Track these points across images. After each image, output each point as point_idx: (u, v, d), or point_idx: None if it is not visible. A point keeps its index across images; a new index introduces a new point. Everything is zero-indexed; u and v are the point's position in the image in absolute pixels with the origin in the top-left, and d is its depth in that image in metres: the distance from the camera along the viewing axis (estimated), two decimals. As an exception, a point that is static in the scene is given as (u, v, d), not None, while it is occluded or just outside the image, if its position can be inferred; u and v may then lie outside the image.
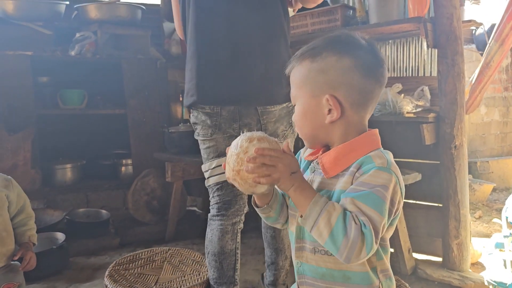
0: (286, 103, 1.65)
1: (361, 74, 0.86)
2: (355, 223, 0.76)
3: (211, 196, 1.66)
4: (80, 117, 3.12)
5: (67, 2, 2.98)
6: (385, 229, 0.81)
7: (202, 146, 1.66)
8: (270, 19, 1.57)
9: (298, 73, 0.90)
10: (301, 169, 0.99)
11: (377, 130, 0.91)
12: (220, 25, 1.53)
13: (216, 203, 1.64)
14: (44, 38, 2.86)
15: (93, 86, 3.08)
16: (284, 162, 0.82)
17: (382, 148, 0.89)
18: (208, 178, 1.64)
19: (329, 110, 0.86)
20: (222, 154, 1.57)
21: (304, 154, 1.00)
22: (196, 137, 1.67)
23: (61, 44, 2.90)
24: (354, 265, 0.84)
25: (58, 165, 2.93)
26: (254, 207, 0.99)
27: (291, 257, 1.34)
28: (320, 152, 0.93)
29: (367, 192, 0.79)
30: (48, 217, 2.60)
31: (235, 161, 0.84)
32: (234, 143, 0.87)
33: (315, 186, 0.90)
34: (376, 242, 0.77)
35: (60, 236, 2.34)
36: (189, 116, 1.82)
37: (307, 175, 0.94)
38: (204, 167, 1.66)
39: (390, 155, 0.87)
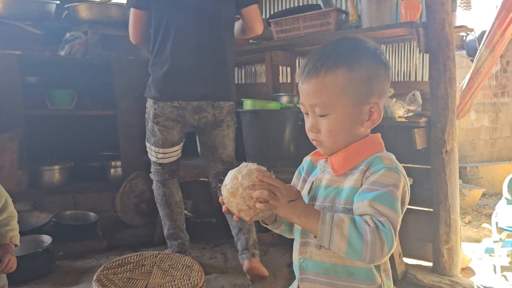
0: (231, 102, 2.18)
1: (388, 79, 0.93)
2: (369, 225, 0.79)
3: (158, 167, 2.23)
4: (69, 118, 3.07)
5: (58, 2, 2.94)
6: (399, 226, 0.84)
7: (155, 134, 2.13)
8: (222, 38, 2.10)
9: (333, 83, 0.87)
10: (305, 170, 1.02)
11: (379, 134, 0.96)
12: (189, 40, 2.03)
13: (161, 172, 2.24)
14: (33, 37, 2.82)
15: (83, 86, 3.04)
16: (281, 191, 0.83)
17: (386, 150, 0.93)
18: (157, 157, 2.19)
19: (369, 117, 0.90)
20: (171, 145, 2.16)
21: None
22: (151, 124, 2.12)
23: (51, 44, 2.86)
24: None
25: (45, 166, 2.88)
26: (263, 225, 1.00)
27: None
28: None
29: (381, 192, 0.82)
30: (34, 219, 2.55)
31: (243, 203, 0.86)
32: (233, 176, 0.88)
33: (324, 183, 0.93)
34: (395, 239, 0.80)
35: (46, 239, 2.30)
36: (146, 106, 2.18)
37: (316, 175, 0.97)
38: (154, 149, 2.18)
39: (394, 157, 0.90)
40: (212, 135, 2.18)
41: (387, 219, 0.80)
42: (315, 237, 0.83)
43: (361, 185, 0.86)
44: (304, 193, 0.97)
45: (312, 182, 0.96)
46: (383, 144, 0.94)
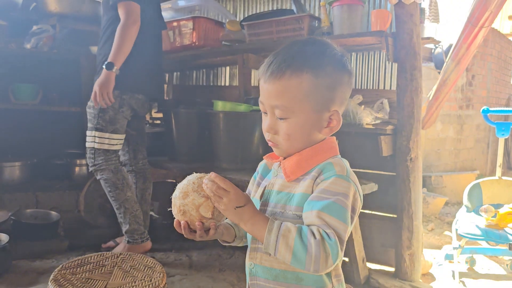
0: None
1: (350, 87, 0.92)
2: (314, 237, 0.78)
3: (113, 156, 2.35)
4: (33, 113, 2.97)
5: (26, -7, 2.86)
6: (348, 235, 0.83)
7: (117, 122, 2.30)
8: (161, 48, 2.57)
9: (296, 87, 0.85)
10: (260, 174, 1.01)
11: (335, 138, 0.94)
12: (150, 48, 2.39)
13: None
14: (-2, 28, 2.73)
15: (49, 82, 2.96)
16: (229, 196, 0.83)
17: (340, 155, 0.92)
18: (115, 144, 2.33)
19: (328, 124, 0.89)
20: (124, 132, 2.38)
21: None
22: (114, 113, 2.28)
23: (16, 36, 2.77)
24: None
25: (6, 162, 2.78)
26: (225, 244, 1.01)
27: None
28: (281, 157, 0.93)
29: (330, 202, 0.81)
30: (-7, 216, 2.45)
31: (196, 200, 0.87)
32: (181, 182, 0.90)
33: (276, 188, 0.92)
34: (342, 250, 0.80)
35: (3, 237, 2.21)
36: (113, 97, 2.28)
37: (269, 179, 0.96)
38: (115, 136, 2.31)
39: (347, 164, 0.89)
40: (143, 124, 2.61)
41: (334, 230, 0.79)
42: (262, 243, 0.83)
43: (312, 192, 0.85)
44: (257, 197, 0.96)
45: (265, 187, 0.95)
46: (337, 149, 0.93)
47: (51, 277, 1.76)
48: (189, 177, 0.90)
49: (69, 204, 2.94)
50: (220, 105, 2.46)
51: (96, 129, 2.28)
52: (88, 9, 2.91)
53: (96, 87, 2.21)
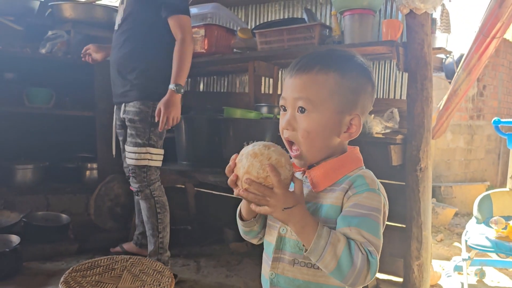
0: None
1: (373, 98, 0.93)
2: (362, 253, 0.79)
3: (157, 175, 2.27)
4: (46, 116, 3.02)
5: (42, -1, 2.92)
6: None
7: (162, 135, 2.25)
8: None
9: (323, 82, 0.86)
10: None
11: (358, 148, 0.95)
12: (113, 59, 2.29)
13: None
14: (14, 33, 2.78)
15: (62, 86, 3.00)
16: (277, 198, 0.80)
17: (364, 166, 0.92)
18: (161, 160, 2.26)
19: (347, 129, 0.89)
20: (162, 146, 2.27)
21: None
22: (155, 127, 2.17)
23: (32, 41, 2.82)
24: (333, 278, 0.84)
25: (18, 165, 2.82)
26: (238, 220, 0.97)
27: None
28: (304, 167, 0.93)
29: (367, 219, 0.81)
30: (3, 219, 2.49)
31: (259, 168, 0.81)
32: (247, 152, 0.83)
33: None
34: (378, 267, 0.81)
35: (15, 239, 2.24)
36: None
37: (292, 187, 0.93)
38: (161, 152, 2.25)
39: (374, 176, 0.90)
40: None
41: (375, 248, 0.80)
42: (305, 249, 0.82)
43: (342, 204, 0.85)
44: None
45: None
46: (362, 159, 0.93)
47: (62, 279, 1.78)
48: (254, 151, 0.83)
49: (79, 207, 2.97)
50: (230, 112, 2.48)
51: (149, 145, 2.17)
52: (102, 15, 2.95)
53: (165, 111, 2.07)
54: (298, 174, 0.94)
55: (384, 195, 0.87)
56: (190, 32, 2.11)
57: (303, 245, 0.83)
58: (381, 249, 0.82)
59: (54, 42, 2.73)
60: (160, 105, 2.08)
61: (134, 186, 2.22)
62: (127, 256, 2.08)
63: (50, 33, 2.80)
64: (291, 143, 0.91)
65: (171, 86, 2.07)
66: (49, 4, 2.94)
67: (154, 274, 1.95)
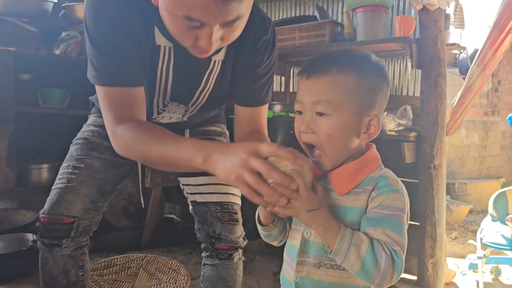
0: None
1: (387, 99, 0.93)
2: (386, 253, 0.80)
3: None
4: (61, 117, 3.05)
5: (55, 0, 2.94)
6: None
7: None
8: None
9: (342, 83, 0.85)
10: None
11: (375, 146, 0.95)
12: None
13: None
14: (29, 35, 2.81)
15: (76, 86, 3.02)
16: (302, 200, 0.81)
17: (383, 165, 0.92)
18: None
19: (366, 129, 0.89)
20: None
21: None
22: None
23: (46, 42, 2.85)
24: (359, 279, 0.85)
25: (34, 164, 2.86)
26: (258, 224, 0.98)
27: None
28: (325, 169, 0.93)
29: (392, 219, 0.82)
30: (20, 218, 2.53)
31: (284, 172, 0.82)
32: (270, 158, 0.83)
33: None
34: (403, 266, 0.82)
35: (31, 238, 2.28)
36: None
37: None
38: None
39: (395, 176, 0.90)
40: None
41: (400, 247, 0.81)
42: (330, 250, 0.83)
43: (367, 205, 0.85)
44: None
45: None
46: (380, 158, 0.93)
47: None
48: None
49: (93, 206, 3.00)
50: (242, 111, 2.48)
51: None
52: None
53: None
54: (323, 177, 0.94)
55: (407, 196, 0.87)
56: None
57: (328, 247, 0.84)
58: (406, 248, 0.83)
59: (68, 43, 2.76)
60: None
61: (234, 240, 1.42)
62: (142, 254, 2.10)
63: (63, 34, 2.82)
64: (310, 147, 0.90)
65: None
66: (63, 5, 2.96)
67: (170, 272, 1.98)
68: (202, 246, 1.44)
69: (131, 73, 1.10)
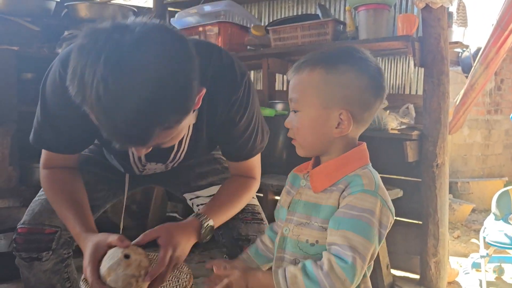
0: None
1: (373, 94, 0.90)
2: (322, 269, 0.79)
3: None
4: (63, 116, 3.06)
5: (58, 0, 2.95)
6: (375, 253, 0.84)
7: None
8: None
9: (308, 79, 0.89)
10: (289, 183, 1.01)
11: (365, 144, 0.93)
12: None
13: None
14: (32, 34, 2.81)
15: (79, 85, 3.04)
16: (237, 283, 0.89)
17: (370, 165, 0.91)
18: None
19: (338, 124, 0.88)
20: None
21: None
22: None
23: (49, 41, 2.86)
24: None
25: (36, 163, 2.85)
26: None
27: None
28: (310, 167, 0.94)
29: (355, 220, 0.81)
30: (22, 216, 2.53)
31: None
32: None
33: (303, 198, 0.93)
34: (363, 269, 0.81)
35: (34, 236, 2.28)
36: None
37: (297, 188, 0.96)
38: None
39: (377, 176, 0.88)
40: None
41: (360, 251, 0.79)
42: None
43: (338, 204, 0.85)
44: (285, 206, 0.97)
45: (293, 196, 0.96)
46: (368, 157, 0.92)
47: (83, 276, 1.80)
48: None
49: (96, 205, 3.00)
50: (244, 109, 2.48)
51: None
52: (116, 15, 2.97)
53: None
54: (304, 174, 0.96)
55: (383, 197, 0.85)
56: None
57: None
58: (370, 252, 0.81)
59: (70, 42, 2.76)
60: None
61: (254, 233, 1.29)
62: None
63: (66, 33, 2.83)
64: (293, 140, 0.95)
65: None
66: (65, 4, 2.97)
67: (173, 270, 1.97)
68: (226, 252, 1.34)
69: (63, 142, 1.16)
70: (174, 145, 1.15)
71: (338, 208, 0.85)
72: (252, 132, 1.21)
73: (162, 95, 0.78)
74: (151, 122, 0.81)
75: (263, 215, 1.35)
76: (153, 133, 0.83)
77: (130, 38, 0.77)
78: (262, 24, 3.12)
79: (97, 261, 0.97)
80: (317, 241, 0.87)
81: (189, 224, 1.13)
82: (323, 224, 0.86)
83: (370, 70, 0.89)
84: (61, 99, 1.05)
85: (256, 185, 1.30)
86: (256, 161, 1.29)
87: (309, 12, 2.98)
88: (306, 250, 0.89)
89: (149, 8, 3.35)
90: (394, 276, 2.27)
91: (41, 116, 1.14)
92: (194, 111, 1.04)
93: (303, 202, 0.92)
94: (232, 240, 1.30)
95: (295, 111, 0.91)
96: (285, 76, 3.06)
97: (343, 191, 0.85)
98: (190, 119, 1.00)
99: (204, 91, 0.92)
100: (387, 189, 0.87)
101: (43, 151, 1.23)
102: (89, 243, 1.01)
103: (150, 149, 0.94)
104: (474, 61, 2.81)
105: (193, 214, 1.15)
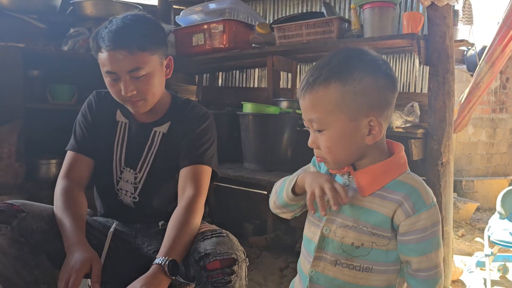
0: None
1: (391, 90, 0.90)
2: None
3: None
4: (69, 113, 3.05)
5: (63, -3, 2.96)
6: None
7: None
8: None
9: (326, 97, 0.85)
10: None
11: (403, 148, 0.95)
12: None
13: None
14: (38, 31, 2.83)
15: (84, 82, 3.03)
16: None
17: (409, 170, 0.93)
18: None
19: (369, 131, 0.87)
20: None
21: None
22: None
23: (55, 38, 2.87)
24: (373, 280, 0.88)
25: (43, 160, 2.88)
26: (288, 193, 0.98)
27: None
28: (350, 167, 0.93)
29: (431, 240, 0.86)
30: (29, 212, 2.55)
31: None
32: None
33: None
34: (444, 274, 0.90)
35: (40, 232, 2.30)
36: None
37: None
38: None
39: (422, 180, 0.91)
40: None
41: (438, 264, 0.87)
42: None
43: (393, 215, 0.86)
44: None
45: None
46: (407, 161, 0.93)
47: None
48: None
49: (101, 201, 3.02)
50: (249, 107, 2.49)
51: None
52: (121, 12, 2.97)
53: None
54: (339, 178, 0.95)
55: (436, 202, 0.90)
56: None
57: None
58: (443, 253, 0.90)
59: (76, 39, 2.78)
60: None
61: (225, 252, 1.18)
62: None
63: (72, 30, 2.84)
64: (321, 158, 0.93)
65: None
66: (71, 1, 2.98)
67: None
68: (194, 282, 1.23)
69: (86, 146, 1.57)
70: (144, 151, 1.47)
71: (392, 218, 0.87)
72: (207, 141, 1.44)
73: (146, 26, 1.36)
74: (137, 31, 1.33)
75: (225, 231, 1.29)
76: (134, 39, 1.31)
77: (130, 15, 1.38)
78: (267, 22, 3.13)
79: (81, 277, 1.12)
80: (362, 244, 0.88)
81: (152, 270, 1.13)
82: (374, 230, 0.87)
83: (382, 67, 0.88)
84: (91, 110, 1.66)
85: (199, 202, 1.35)
86: (204, 175, 1.39)
87: (314, 10, 2.98)
88: (350, 252, 0.89)
89: (154, 6, 3.35)
90: (398, 274, 2.28)
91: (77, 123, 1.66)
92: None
93: (349, 204, 0.89)
94: (194, 265, 1.19)
95: (318, 131, 0.88)
96: (289, 74, 3.06)
97: (401, 204, 0.86)
98: (160, 77, 1.40)
99: (171, 60, 1.45)
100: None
101: (66, 162, 1.62)
102: (80, 254, 1.17)
103: (134, 91, 1.36)
104: (480, 59, 2.80)
105: (153, 262, 1.17)
